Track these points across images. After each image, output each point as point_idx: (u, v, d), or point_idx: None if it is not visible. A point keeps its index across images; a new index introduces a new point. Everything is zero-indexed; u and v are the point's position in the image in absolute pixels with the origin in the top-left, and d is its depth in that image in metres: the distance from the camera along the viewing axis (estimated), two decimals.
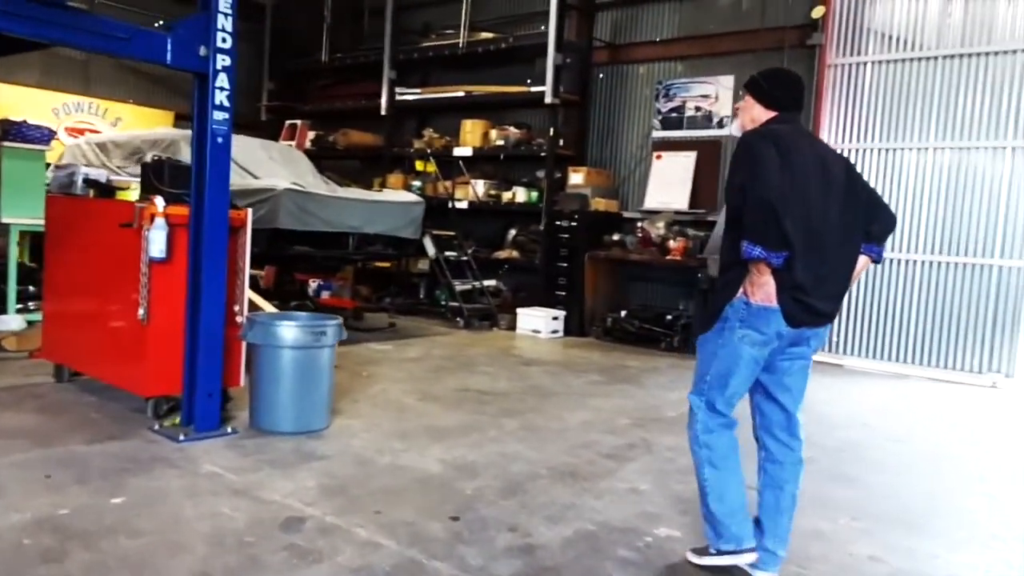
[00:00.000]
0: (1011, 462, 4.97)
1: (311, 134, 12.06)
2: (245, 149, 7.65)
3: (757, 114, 3.06)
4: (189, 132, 7.62)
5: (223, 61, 4.21)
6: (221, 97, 4.23)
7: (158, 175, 4.43)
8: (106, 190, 4.96)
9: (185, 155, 6.72)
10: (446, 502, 3.56)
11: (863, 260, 3.01)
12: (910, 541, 3.48)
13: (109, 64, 11.60)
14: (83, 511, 3.20)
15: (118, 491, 3.43)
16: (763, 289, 2.79)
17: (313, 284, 9.68)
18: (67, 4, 3.62)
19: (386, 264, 10.34)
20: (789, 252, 2.71)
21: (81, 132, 10.52)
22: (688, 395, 3.13)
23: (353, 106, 11.78)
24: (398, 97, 11.03)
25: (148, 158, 7.26)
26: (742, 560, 2.99)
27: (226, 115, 4.25)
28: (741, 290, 2.87)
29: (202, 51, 4.16)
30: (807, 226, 2.76)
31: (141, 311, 4.31)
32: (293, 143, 11.49)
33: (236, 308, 4.63)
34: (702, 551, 3.10)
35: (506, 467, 4.12)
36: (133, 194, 4.84)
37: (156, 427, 4.35)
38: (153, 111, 12.03)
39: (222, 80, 4.22)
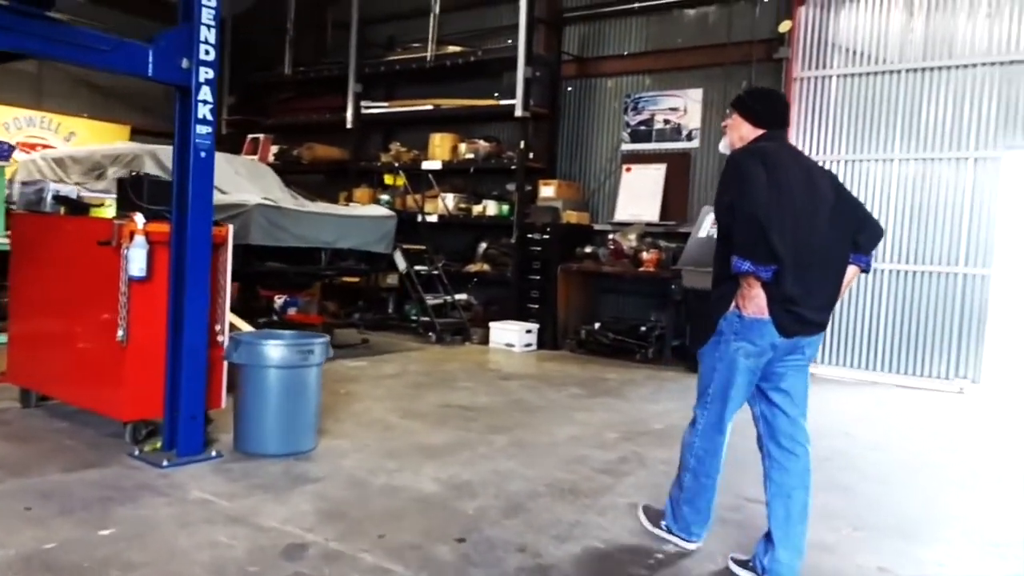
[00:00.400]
0: (990, 467, 5.06)
1: (274, 148, 11.87)
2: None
3: (745, 132, 3.18)
4: (153, 147, 7.57)
5: (206, 74, 4.09)
6: (204, 111, 4.10)
7: (136, 191, 4.28)
8: (78, 207, 4.77)
9: (150, 170, 6.54)
10: (449, 523, 3.48)
11: (852, 270, 3.10)
12: (914, 551, 3.50)
13: (62, 77, 11.28)
14: (71, 545, 3.04)
15: (105, 522, 3.27)
16: (754, 302, 2.89)
17: (279, 300, 9.50)
18: (48, 15, 3.48)
19: (354, 279, 10.18)
20: (778, 266, 2.81)
21: (34, 147, 10.18)
22: (694, 407, 3.23)
23: (317, 120, 11.64)
24: (364, 111, 10.92)
25: (120, 173, 7.14)
26: (683, 546, 3.32)
27: (209, 129, 4.13)
28: (733, 303, 2.97)
29: (184, 63, 4.03)
30: (795, 239, 2.84)
31: (120, 332, 4.14)
32: (255, 157, 11.28)
33: (217, 327, 4.48)
34: (654, 515, 3.47)
35: (503, 485, 4.05)
36: (108, 211, 4.66)
37: (136, 453, 4.17)
38: (108, 125, 11.71)
39: (205, 93, 4.10)
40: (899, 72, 8.01)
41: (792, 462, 3.06)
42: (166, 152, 7.30)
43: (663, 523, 3.38)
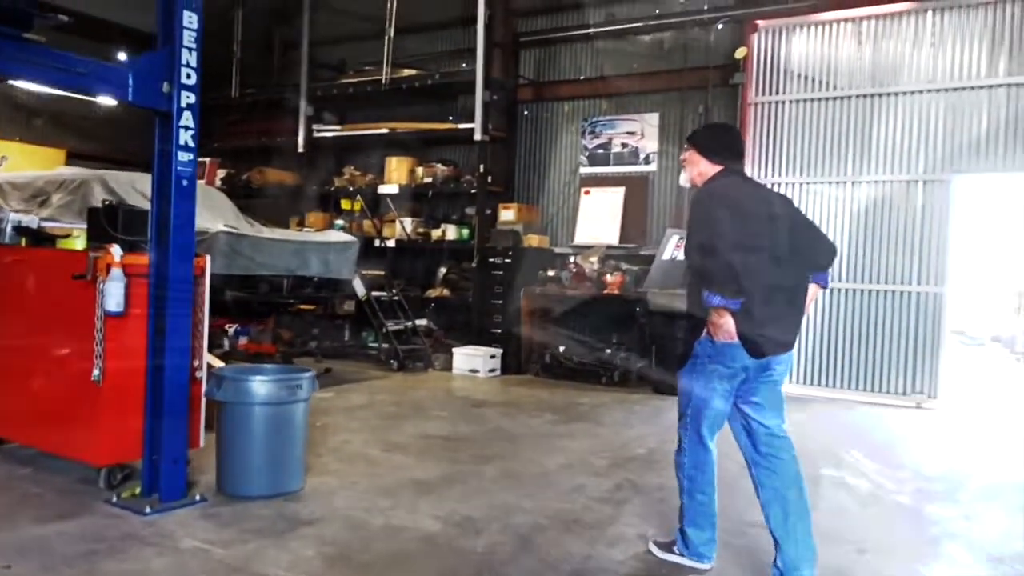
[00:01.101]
0: (969, 481, 5.18)
1: (221, 172, 11.53)
2: None
3: (704, 168, 3.43)
4: (101, 172, 7.24)
5: (188, 98, 3.92)
6: (186, 137, 3.92)
7: (111, 221, 4.05)
8: (43, 238, 4.49)
9: (99, 197, 6.24)
10: (461, 565, 3.35)
11: (812, 288, 3.32)
12: (928, 571, 3.53)
13: None
14: None
15: None
16: (723, 329, 3.10)
17: (230, 329, 9.17)
18: (24, 36, 3.27)
19: (310, 306, 9.92)
20: (745, 297, 3.04)
21: None
22: (678, 429, 3.43)
23: (267, 143, 11.36)
24: (316, 134, 10.72)
25: (66, 200, 6.80)
26: (698, 567, 3.37)
27: (191, 156, 3.95)
28: (705, 331, 3.20)
29: (165, 87, 3.86)
30: (760, 270, 3.07)
31: (96, 370, 3.90)
32: (202, 182, 10.93)
33: (196, 363, 4.26)
34: (665, 546, 3.50)
35: (506, 520, 3.94)
36: (77, 242, 4.40)
37: (114, 499, 3.91)
38: (43, 150, 11.19)
39: (187, 119, 3.92)
40: (850, 98, 8.27)
41: (778, 465, 3.23)
42: (115, 178, 7.00)
43: (675, 548, 3.47)
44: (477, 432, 5.93)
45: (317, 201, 10.83)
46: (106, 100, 4.23)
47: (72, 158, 11.19)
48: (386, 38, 10.11)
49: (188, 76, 3.91)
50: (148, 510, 3.77)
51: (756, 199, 3.27)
